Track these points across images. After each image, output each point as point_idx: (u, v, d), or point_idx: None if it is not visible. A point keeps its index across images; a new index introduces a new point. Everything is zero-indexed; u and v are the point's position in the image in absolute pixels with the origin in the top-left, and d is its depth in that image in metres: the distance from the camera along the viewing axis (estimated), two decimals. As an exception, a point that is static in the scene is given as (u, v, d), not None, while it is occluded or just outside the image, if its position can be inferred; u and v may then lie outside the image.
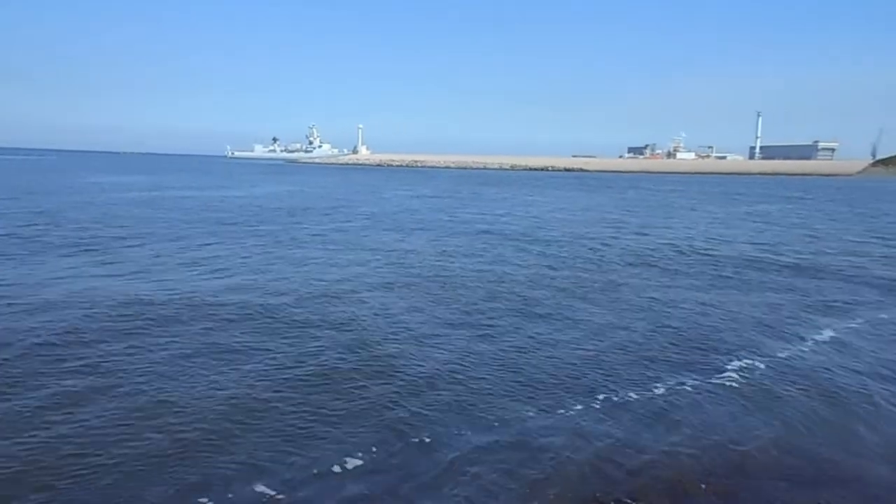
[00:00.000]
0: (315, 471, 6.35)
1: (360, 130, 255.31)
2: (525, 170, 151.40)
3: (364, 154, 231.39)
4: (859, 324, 12.69)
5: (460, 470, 6.49)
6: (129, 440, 6.78)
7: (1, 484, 5.92)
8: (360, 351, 9.98)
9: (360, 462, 6.54)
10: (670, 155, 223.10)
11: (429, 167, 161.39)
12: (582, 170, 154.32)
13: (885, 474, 6.79)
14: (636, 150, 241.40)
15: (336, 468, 6.42)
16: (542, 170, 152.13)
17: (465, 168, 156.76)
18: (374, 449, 6.82)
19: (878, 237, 27.53)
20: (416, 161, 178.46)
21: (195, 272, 15.91)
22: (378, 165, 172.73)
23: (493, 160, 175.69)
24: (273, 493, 5.93)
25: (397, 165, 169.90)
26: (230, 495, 5.90)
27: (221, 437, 6.94)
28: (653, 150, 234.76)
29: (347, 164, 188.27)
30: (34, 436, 6.77)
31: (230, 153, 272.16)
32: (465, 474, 6.41)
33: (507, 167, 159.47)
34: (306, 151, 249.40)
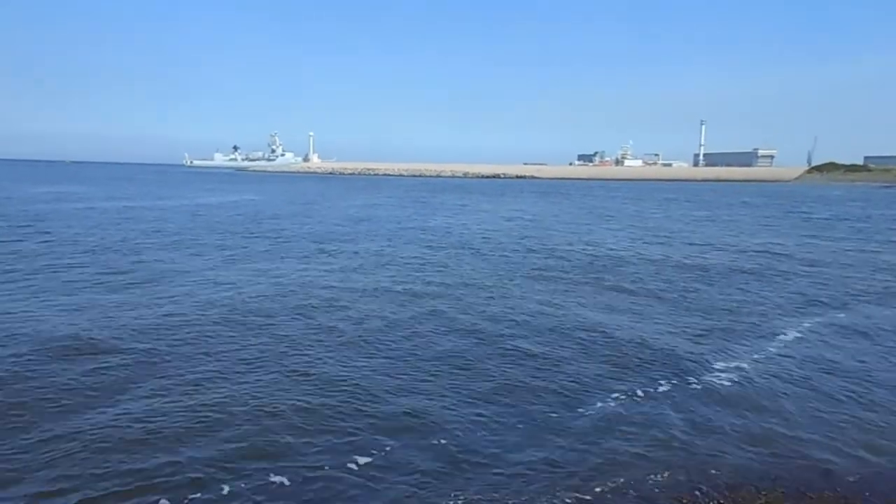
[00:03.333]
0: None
1: (311, 138, 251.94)
2: (478, 177, 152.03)
3: (315, 162, 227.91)
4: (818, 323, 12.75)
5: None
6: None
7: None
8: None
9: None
10: (618, 162, 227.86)
11: (381, 175, 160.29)
12: (533, 177, 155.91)
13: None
14: (586, 158, 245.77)
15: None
16: (494, 177, 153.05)
17: (418, 176, 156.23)
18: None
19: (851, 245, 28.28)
20: (368, 169, 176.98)
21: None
22: (330, 173, 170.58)
23: (447, 168, 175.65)
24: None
25: (349, 173, 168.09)
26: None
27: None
28: (602, 157, 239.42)
29: (298, 171, 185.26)
30: None
31: (188, 161, 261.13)
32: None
33: (460, 175, 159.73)
34: (268, 160, 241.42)
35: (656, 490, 6.34)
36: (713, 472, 6.71)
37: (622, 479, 6.51)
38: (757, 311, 14.02)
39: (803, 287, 16.89)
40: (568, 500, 6.11)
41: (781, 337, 11.92)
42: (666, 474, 6.63)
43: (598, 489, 6.32)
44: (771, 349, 11.10)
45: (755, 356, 10.65)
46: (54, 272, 16.59)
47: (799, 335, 12.08)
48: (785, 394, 8.98)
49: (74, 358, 9.64)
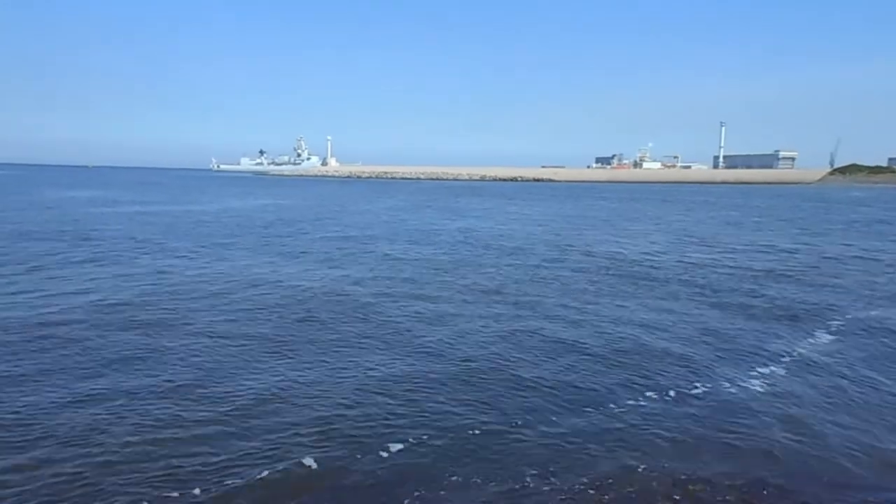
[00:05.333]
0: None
1: (328, 142, 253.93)
2: (495, 180, 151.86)
3: (333, 166, 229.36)
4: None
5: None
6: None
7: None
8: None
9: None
10: (637, 165, 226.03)
11: (399, 178, 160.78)
12: (551, 180, 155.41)
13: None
14: (603, 160, 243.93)
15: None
16: (511, 180, 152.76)
17: (436, 179, 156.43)
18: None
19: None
20: (385, 172, 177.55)
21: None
22: (348, 177, 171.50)
23: (464, 171, 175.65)
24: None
25: (367, 177, 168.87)
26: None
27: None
28: (620, 160, 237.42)
29: (317, 175, 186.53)
30: None
31: (216, 166, 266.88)
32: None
33: (477, 178, 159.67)
34: (294, 164, 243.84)
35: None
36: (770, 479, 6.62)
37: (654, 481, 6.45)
38: (813, 309, 13.93)
39: (855, 286, 16.67)
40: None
41: (830, 336, 11.74)
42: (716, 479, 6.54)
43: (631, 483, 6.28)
44: (824, 348, 10.93)
45: (808, 354, 10.50)
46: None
47: (859, 332, 11.90)
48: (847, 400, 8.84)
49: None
